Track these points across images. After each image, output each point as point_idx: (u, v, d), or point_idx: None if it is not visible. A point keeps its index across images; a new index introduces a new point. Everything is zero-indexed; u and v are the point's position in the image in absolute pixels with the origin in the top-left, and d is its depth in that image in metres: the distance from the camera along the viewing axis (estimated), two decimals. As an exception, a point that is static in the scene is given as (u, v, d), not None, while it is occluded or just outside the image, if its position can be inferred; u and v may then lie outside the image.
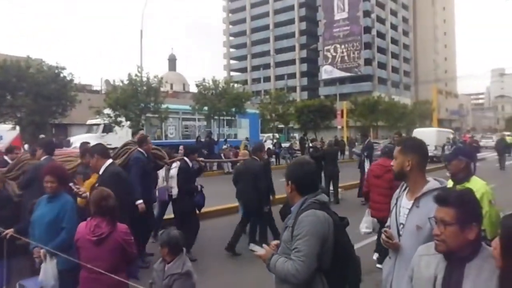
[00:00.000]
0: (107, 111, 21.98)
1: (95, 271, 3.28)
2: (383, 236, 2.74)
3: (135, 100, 21.62)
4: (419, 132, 28.18)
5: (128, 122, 21.74)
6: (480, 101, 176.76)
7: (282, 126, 40.09)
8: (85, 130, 25.41)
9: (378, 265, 5.98)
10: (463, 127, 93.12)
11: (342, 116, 42.33)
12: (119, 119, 21.76)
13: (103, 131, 23.16)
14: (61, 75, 22.41)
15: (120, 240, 3.47)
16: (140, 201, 6.23)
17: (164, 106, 22.95)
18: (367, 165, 12.68)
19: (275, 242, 2.81)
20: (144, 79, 22.48)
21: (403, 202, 2.75)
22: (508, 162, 24.65)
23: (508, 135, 44.18)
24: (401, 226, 2.69)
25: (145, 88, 22.14)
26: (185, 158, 7.17)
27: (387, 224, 2.83)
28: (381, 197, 6.18)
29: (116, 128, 22.08)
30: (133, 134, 7.64)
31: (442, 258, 2.07)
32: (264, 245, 2.78)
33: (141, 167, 6.46)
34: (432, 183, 2.67)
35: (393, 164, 2.81)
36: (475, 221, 1.97)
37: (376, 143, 21.61)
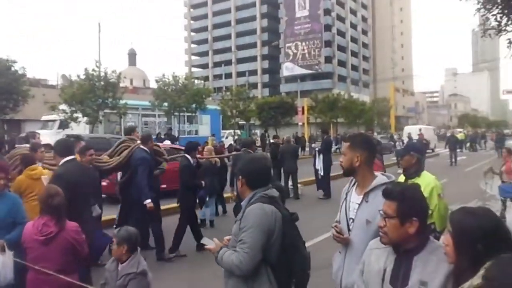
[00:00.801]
0: (62, 106, 21.27)
1: (43, 272, 3.14)
2: (333, 231, 2.76)
3: (92, 95, 21.04)
4: (409, 128, 34.42)
5: (85, 118, 21.14)
6: (435, 99, 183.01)
7: (243, 122, 40.10)
8: (39, 126, 24.52)
9: None
10: (419, 124, 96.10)
11: (303, 113, 42.82)
12: (75, 115, 21.10)
13: (59, 127, 22.36)
14: (12, 68, 21.52)
15: (70, 239, 3.33)
16: (149, 200, 6.25)
17: (122, 101, 22.46)
18: (318, 161, 12.87)
19: (228, 236, 2.82)
20: (102, 74, 21.91)
21: (352, 197, 2.79)
22: (460, 158, 25.64)
23: (460, 132, 46.00)
24: (351, 220, 2.72)
25: (102, 83, 21.56)
26: (186, 155, 7.27)
27: (337, 219, 2.86)
28: None
29: (73, 124, 21.41)
30: (129, 131, 7.63)
31: (391, 251, 2.11)
32: (214, 238, 2.80)
33: (148, 167, 6.50)
34: (380, 177, 2.71)
35: (342, 160, 2.83)
36: (415, 216, 2.01)
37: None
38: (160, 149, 7.49)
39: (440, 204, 4.23)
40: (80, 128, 21.29)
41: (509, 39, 4.26)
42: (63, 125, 22.20)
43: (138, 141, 7.00)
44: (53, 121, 23.02)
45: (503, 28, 4.33)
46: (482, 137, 44.29)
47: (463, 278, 1.67)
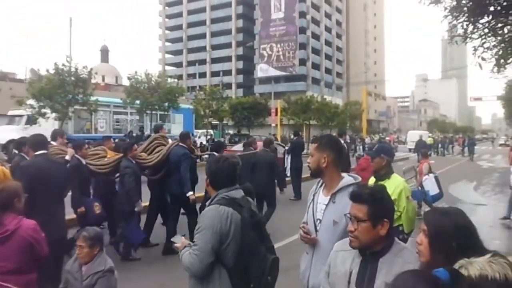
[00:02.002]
0: (30, 101, 20.67)
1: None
2: (300, 231, 2.77)
3: (62, 91, 20.47)
4: (414, 133, 45.42)
5: (54, 114, 20.62)
6: (406, 103, 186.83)
7: (216, 122, 39.98)
8: (6, 122, 23.80)
9: None
10: (390, 128, 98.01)
11: (276, 114, 43.00)
12: (43, 110, 20.50)
13: (26, 123, 21.76)
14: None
15: (27, 237, 3.21)
16: (191, 192, 6.94)
17: (93, 98, 22.00)
18: (287, 161, 12.96)
19: None
20: (73, 69, 21.41)
21: (319, 198, 2.79)
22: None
23: (429, 136, 47.10)
24: (318, 221, 2.73)
25: (73, 78, 21.05)
26: (181, 144, 7.45)
27: (304, 220, 2.86)
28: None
29: (40, 120, 20.84)
30: (157, 128, 8.27)
31: (357, 253, 2.12)
32: (182, 237, 2.81)
33: (189, 162, 7.12)
34: (347, 178, 2.74)
35: (309, 161, 2.84)
36: (386, 217, 2.04)
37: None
38: (192, 147, 7.97)
39: (409, 206, 4.32)
40: (49, 124, 20.76)
41: (474, 46, 4.40)
42: (31, 120, 21.58)
43: (169, 139, 7.83)
44: (20, 116, 22.37)
45: (469, 36, 4.47)
46: (450, 142, 45.59)
47: None
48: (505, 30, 4.27)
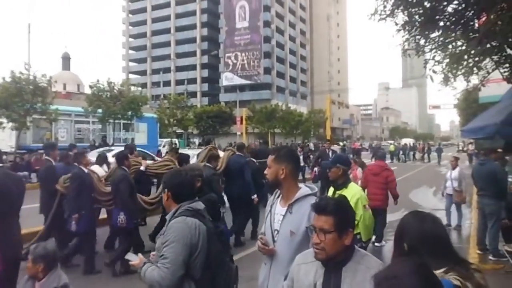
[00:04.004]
0: (-16, 110, 19.90)
1: None
2: (258, 243, 2.77)
3: (19, 99, 19.83)
4: (405, 140, 56.61)
5: (11, 124, 19.93)
6: (369, 111, 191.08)
7: (181, 131, 39.68)
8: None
9: (376, 243, 8.02)
10: (353, 136, 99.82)
11: (241, 123, 43.13)
12: (-1, 119, 19.84)
13: (-20, 133, 20.94)
14: None
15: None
16: (255, 195, 8.18)
17: (53, 107, 21.41)
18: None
19: (154, 252, 2.77)
20: (32, 77, 20.78)
21: (277, 209, 2.80)
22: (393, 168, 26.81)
23: (391, 144, 48.35)
24: (276, 232, 2.73)
25: (31, 87, 20.43)
26: (238, 153, 8.68)
27: (262, 231, 2.87)
28: (377, 190, 7.98)
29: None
30: (207, 141, 9.58)
31: (319, 264, 2.12)
32: (139, 254, 2.76)
33: (251, 169, 8.41)
34: (303, 189, 2.76)
35: (267, 173, 2.85)
36: (350, 226, 2.08)
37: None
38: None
39: (365, 215, 4.42)
40: (6, 134, 20.06)
41: (425, 59, 4.58)
42: (-15, 130, 20.79)
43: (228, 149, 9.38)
44: (-26, 126, 21.52)
45: (421, 50, 4.66)
46: (412, 149, 46.87)
47: None
48: (453, 45, 4.48)
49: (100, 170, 8.40)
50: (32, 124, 21.52)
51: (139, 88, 34.91)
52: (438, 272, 1.65)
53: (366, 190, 7.85)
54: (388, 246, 7.69)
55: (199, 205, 2.72)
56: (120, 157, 6.60)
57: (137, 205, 6.65)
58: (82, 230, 6.39)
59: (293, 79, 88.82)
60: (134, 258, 2.72)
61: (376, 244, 8.06)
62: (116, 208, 6.35)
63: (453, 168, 10.12)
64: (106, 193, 6.72)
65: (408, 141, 61.25)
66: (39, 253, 3.34)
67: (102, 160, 8.87)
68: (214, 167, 7.49)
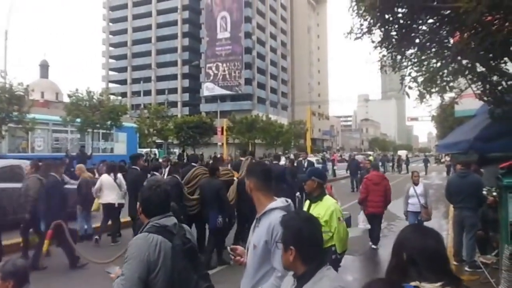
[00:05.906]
0: (-42, 119, 19.47)
1: None
2: (230, 255, 2.92)
3: (-6, 108, 19.50)
4: (401, 152, 64.67)
5: (-14, 133, 19.55)
6: (348, 123, 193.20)
7: (161, 141, 39.44)
8: None
9: (373, 246, 9.14)
10: (333, 147, 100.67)
11: (222, 133, 43.09)
12: (-27, 129, 19.43)
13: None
14: None
15: None
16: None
17: (30, 116, 21.05)
18: None
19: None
20: (8, 86, 20.42)
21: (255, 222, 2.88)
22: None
23: (369, 155, 48.93)
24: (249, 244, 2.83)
25: (7, 95, 20.06)
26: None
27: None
28: (378, 197, 8.93)
29: (-29, 139, 19.67)
30: (243, 153, 11.83)
31: (293, 278, 2.17)
32: (117, 268, 2.73)
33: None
34: (274, 203, 2.78)
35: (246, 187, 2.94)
36: (292, 244, 2.06)
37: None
38: None
39: (340, 227, 4.46)
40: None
41: (402, 75, 4.68)
42: (-41, 139, 20.33)
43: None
44: None
45: (398, 66, 4.76)
46: (388, 160, 47.48)
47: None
48: (427, 62, 4.60)
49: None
50: (7, 133, 21.12)
51: (119, 98, 34.57)
52: (435, 286, 1.69)
53: (368, 198, 8.96)
54: (386, 252, 7.71)
55: (169, 220, 2.64)
56: (211, 169, 8.01)
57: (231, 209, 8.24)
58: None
59: (273, 90, 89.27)
60: (112, 271, 2.70)
61: (373, 246, 9.12)
62: (212, 212, 7.46)
63: (416, 184, 9.04)
64: (191, 199, 7.95)
65: (402, 153, 64.47)
66: (8, 270, 3.24)
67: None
68: None
